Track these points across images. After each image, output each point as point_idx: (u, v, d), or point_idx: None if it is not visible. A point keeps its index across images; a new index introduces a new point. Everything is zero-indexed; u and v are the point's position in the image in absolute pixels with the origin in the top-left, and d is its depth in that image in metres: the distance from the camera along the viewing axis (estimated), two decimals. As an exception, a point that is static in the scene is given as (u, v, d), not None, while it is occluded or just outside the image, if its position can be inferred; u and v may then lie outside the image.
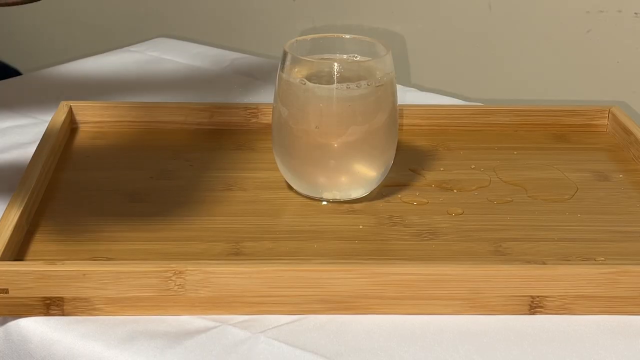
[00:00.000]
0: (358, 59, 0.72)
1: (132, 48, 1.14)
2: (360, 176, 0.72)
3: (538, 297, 0.60)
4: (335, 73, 0.68)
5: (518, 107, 0.87)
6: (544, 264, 0.62)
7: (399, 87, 0.73)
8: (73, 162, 0.78)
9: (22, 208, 0.65)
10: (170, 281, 0.59)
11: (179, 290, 0.59)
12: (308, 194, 0.72)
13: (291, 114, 0.70)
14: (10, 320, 0.59)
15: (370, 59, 0.71)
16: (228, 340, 0.57)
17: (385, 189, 0.74)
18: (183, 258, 0.64)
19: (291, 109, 0.70)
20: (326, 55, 0.72)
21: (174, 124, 0.85)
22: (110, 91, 0.98)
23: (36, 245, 0.65)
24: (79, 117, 0.84)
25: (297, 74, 0.69)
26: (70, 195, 0.72)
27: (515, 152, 0.82)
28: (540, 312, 0.61)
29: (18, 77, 1.04)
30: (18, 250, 0.64)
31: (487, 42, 1.14)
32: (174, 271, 0.58)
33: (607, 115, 0.87)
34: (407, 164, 0.79)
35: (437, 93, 1.00)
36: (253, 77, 1.05)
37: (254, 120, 0.86)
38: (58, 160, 0.77)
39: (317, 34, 0.73)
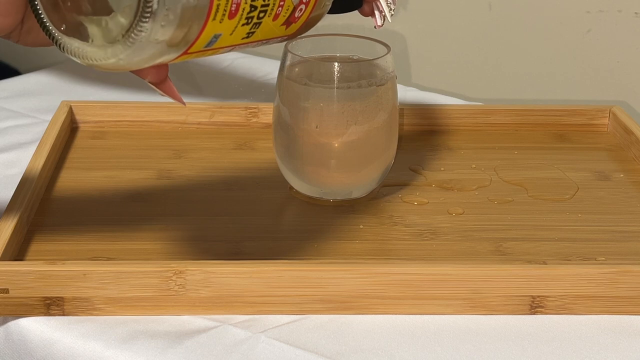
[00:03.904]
0: (358, 58, 0.72)
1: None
2: (360, 176, 0.72)
3: (538, 297, 0.60)
4: (336, 73, 0.68)
5: (518, 107, 0.87)
6: (545, 263, 0.62)
7: (399, 86, 0.73)
8: (73, 162, 0.78)
9: (22, 208, 0.65)
10: (170, 281, 0.59)
11: (180, 290, 0.59)
12: (308, 193, 0.72)
13: (292, 114, 0.70)
14: (11, 320, 0.59)
15: (370, 58, 0.71)
16: (229, 340, 0.57)
17: (386, 189, 0.74)
18: (183, 258, 0.64)
19: (292, 109, 0.70)
20: (326, 55, 0.72)
21: (174, 124, 0.85)
22: (110, 91, 0.98)
23: (36, 245, 0.65)
24: (79, 117, 0.84)
25: (297, 74, 0.69)
26: (70, 195, 0.72)
27: (516, 152, 0.82)
28: (541, 312, 0.61)
29: (18, 77, 1.04)
30: (18, 250, 0.64)
31: (487, 42, 1.14)
32: (174, 271, 0.58)
33: (608, 115, 0.87)
34: (407, 164, 0.78)
35: (437, 93, 1.00)
36: (253, 77, 1.05)
37: (254, 120, 0.86)
38: (58, 160, 0.77)
39: (317, 34, 0.73)
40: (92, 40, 0.44)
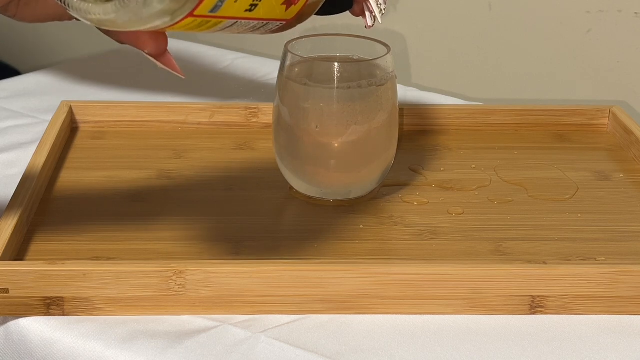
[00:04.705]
0: (358, 58, 0.72)
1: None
2: (360, 176, 0.72)
3: (538, 297, 0.60)
4: (336, 73, 0.68)
5: (518, 107, 0.87)
6: (545, 263, 0.62)
7: (399, 86, 0.73)
8: (73, 162, 0.78)
9: (22, 208, 0.65)
10: (170, 281, 0.59)
11: (180, 290, 0.59)
12: (308, 193, 0.72)
13: (292, 114, 0.70)
14: (11, 320, 0.59)
15: (370, 58, 0.71)
16: (229, 340, 0.57)
17: (386, 189, 0.74)
18: (183, 258, 0.64)
19: (292, 109, 0.70)
20: (326, 55, 0.72)
21: (174, 124, 0.85)
22: (110, 91, 0.98)
23: (36, 245, 0.65)
24: (79, 117, 0.84)
25: (297, 74, 0.69)
26: (70, 195, 0.72)
27: (516, 152, 0.82)
28: (541, 312, 0.61)
29: (18, 77, 1.04)
30: (18, 250, 0.64)
31: (487, 42, 1.14)
32: (174, 271, 0.58)
33: (608, 115, 0.87)
34: (407, 164, 0.79)
35: (437, 93, 1.00)
36: (253, 77, 1.05)
37: (254, 120, 0.86)
38: (58, 160, 0.77)
39: (317, 34, 0.73)
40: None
